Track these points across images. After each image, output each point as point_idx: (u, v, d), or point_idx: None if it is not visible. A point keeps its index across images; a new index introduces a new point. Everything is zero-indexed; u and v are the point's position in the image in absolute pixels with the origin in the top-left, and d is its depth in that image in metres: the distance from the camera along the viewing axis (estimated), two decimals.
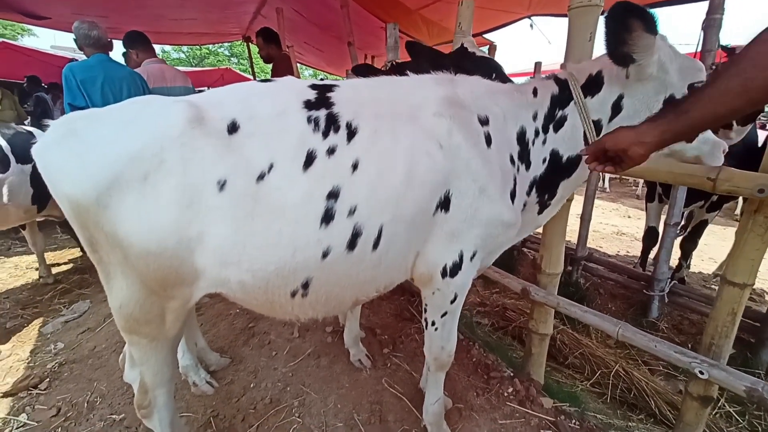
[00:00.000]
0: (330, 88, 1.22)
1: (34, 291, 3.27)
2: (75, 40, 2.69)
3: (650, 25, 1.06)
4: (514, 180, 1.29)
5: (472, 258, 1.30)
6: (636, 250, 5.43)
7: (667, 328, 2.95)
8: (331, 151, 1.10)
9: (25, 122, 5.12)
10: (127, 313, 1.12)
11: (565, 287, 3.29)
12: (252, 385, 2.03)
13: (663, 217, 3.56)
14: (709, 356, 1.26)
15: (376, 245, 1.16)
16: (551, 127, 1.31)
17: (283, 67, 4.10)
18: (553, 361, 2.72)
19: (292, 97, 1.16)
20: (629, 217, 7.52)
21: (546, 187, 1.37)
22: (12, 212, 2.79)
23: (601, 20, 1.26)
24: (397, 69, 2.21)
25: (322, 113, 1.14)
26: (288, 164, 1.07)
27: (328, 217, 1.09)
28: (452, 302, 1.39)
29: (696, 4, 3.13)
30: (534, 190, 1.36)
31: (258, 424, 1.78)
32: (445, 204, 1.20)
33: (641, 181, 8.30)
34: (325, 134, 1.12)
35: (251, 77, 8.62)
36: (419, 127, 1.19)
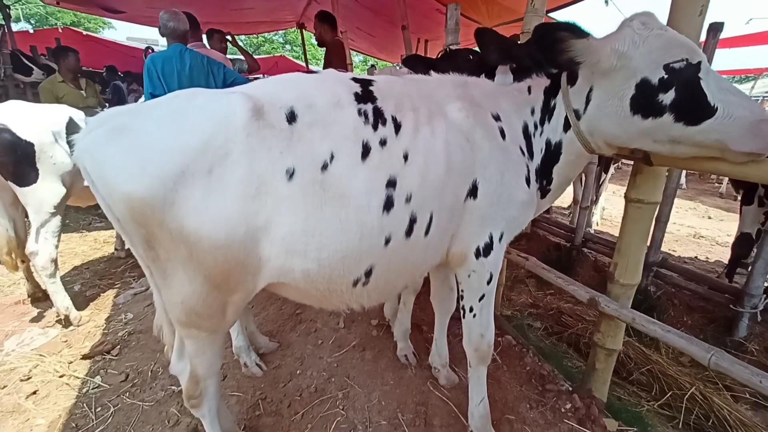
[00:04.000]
0: (370, 82, 1.26)
1: (109, 263, 3.60)
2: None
3: (576, 32, 1.14)
4: (527, 167, 1.38)
5: (500, 239, 1.39)
6: (716, 255, 4.80)
7: (757, 350, 2.55)
8: (383, 143, 1.15)
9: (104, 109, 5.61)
10: (190, 308, 1.11)
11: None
12: (298, 372, 2.06)
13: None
14: None
15: (427, 231, 1.23)
16: (546, 118, 1.39)
17: (336, 54, 4.06)
18: (615, 374, 2.47)
19: (343, 89, 1.19)
20: (709, 218, 6.68)
21: (544, 173, 1.45)
22: None
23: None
24: (453, 56, 2.04)
25: (369, 106, 1.18)
26: (348, 154, 1.10)
27: (388, 205, 1.14)
28: (488, 282, 1.45)
29: None
30: (537, 176, 1.44)
31: (303, 412, 1.81)
32: (473, 192, 1.30)
33: (725, 178, 7.27)
34: (375, 127, 1.16)
35: (304, 64, 8.76)
36: (449, 123, 1.27)
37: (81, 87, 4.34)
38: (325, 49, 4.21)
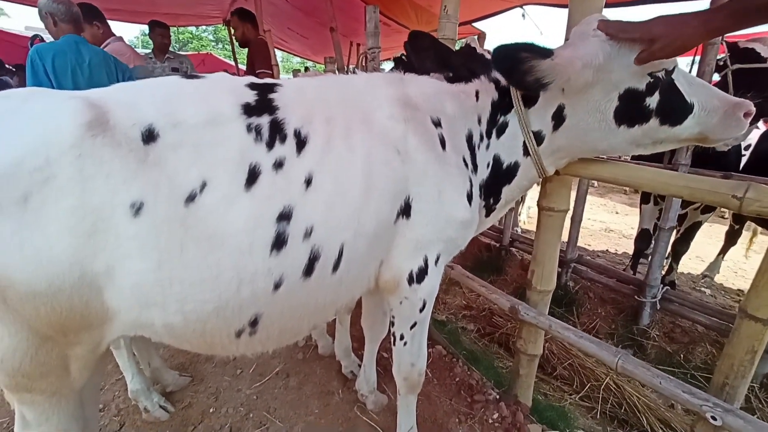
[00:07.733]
0: (271, 88, 1.06)
1: None
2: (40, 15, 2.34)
3: (538, 51, 1.02)
4: (470, 181, 1.24)
5: (436, 262, 1.25)
6: (624, 247, 5.35)
7: (658, 336, 2.84)
8: (278, 165, 0.96)
9: None
10: (13, 368, 0.84)
11: (554, 291, 3.13)
12: (212, 410, 1.83)
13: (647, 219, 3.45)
14: (721, 397, 1.10)
15: (336, 267, 1.05)
16: (494, 131, 1.28)
17: (259, 53, 3.81)
18: (541, 371, 2.58)
19: (228, 100, 0.98)
20: (617, 213, 7.47)
21: (491, 191, 1.34)
22: None
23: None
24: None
25: (264, 120, 0.98)
26: (226, 182, 0.90)
27: (279, 243, 0.94)
28: (421, 311, 1.31)
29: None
30: (482, 193, 1.33)
31: None
32: (405, 210, 1.14)
33: None
34: (270, 145, 0.96)
35: (233, 63, 8.23)
36: (374, 132, 1.10)
37: None
38: (247, 49, 3.94)
